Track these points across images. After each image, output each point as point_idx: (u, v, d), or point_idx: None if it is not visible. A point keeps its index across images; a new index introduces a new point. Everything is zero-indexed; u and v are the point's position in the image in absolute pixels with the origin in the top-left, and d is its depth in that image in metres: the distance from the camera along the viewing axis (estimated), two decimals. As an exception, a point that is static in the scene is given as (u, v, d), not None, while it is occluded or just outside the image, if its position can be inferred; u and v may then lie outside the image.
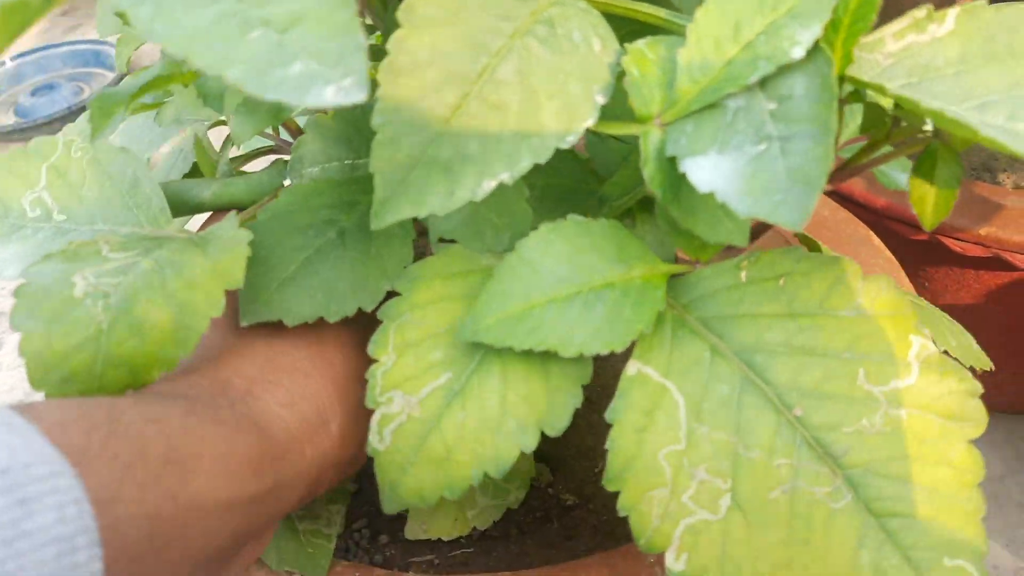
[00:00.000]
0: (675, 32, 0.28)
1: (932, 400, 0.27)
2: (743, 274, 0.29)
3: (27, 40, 1.43)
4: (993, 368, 0.40)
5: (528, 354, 0.27)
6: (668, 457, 0.27)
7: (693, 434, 0.28)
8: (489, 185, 0.25)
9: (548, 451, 0.43)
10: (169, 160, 0.42)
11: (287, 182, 0.32)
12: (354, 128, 0.30)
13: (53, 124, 1.25)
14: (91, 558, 0.19)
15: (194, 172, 0.43)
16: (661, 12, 0.29)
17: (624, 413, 0.28)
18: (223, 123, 0.42)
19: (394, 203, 0.25)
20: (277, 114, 0.29)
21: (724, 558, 0.27)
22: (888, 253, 0.49)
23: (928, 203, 0.26)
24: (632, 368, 0.28)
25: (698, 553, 0.27)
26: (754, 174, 0.23)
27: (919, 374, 0.27)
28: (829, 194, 0.56)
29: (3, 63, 1.38)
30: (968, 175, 0.58)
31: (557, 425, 0.28)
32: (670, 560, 0.27)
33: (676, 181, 0.25)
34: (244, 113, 0.28)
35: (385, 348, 0.29)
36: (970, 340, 0.41)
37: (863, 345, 0.28)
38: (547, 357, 0.28)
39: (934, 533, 0.27)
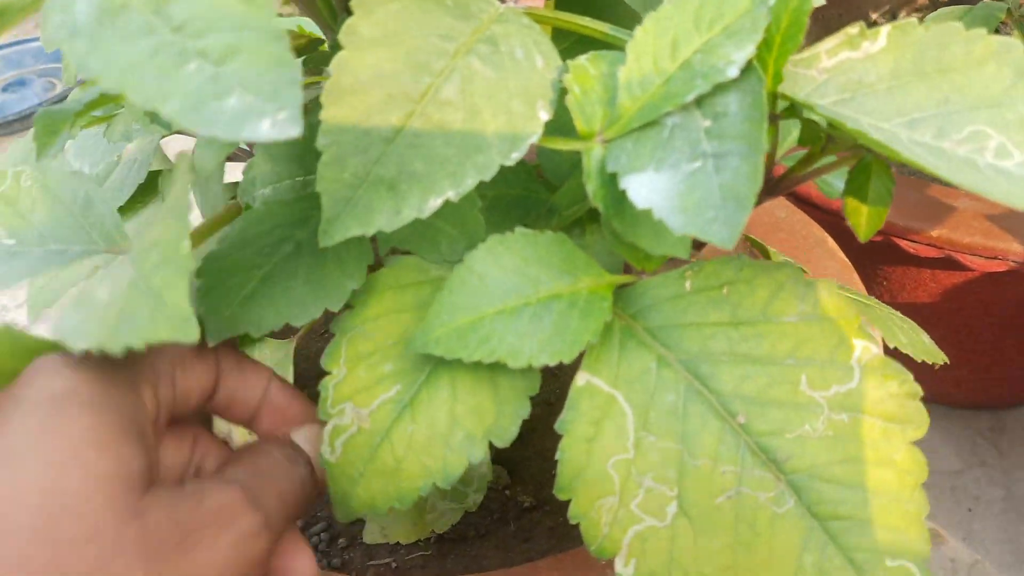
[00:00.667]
0: (617, 46, 0.29)
1: (874, 403, 0.28)
2: (688, 283, 0.29)
3: (-6, 39, 1.41)
4: (948, 362, 0.41)
5: (477, 366, 0.28)
6: (616, 466, 0.28)
7: (641, 443, 0.28)
8: (436, 203, 0.26)
9: (506, 453, 0.44)
10: (123, 171, 0.42)
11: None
12: (303, 147, 0.31)
13: (25, 120, 1.24)
14: None
15: (150, 182, 0.43)
16: (604, 27, 0.29)
17: (573, 424, 0.28)
18: (180, 132, 0.42)
19: (342, 222, 0.26)
20: (233, 141, 0.30)
21: (671, 563, 0.27)
22: (842, 255, 0.50)
23: (862, 217, 0.27)
24: (581, 379, 0.29)
25: (646, 559, 0.28)
26: (689, 191, 0.24)
27: (861, 378, 0.28)
28: (786, 195, 0.57)
29: (-27, 59, 1.36)
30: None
31: (505, 436, 0.28)
32: (619, 566, 0.28)
33: (618, 196, 0.26)
34: (206, 145, 0.29)
35: (337, 361, 0.29)
36: (922, 336, 0.42)
37: (806, 350, 0.28)
38: (496, 369, 0.28)
39: (876, 534, 0.28)
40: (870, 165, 0.27)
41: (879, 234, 0.56)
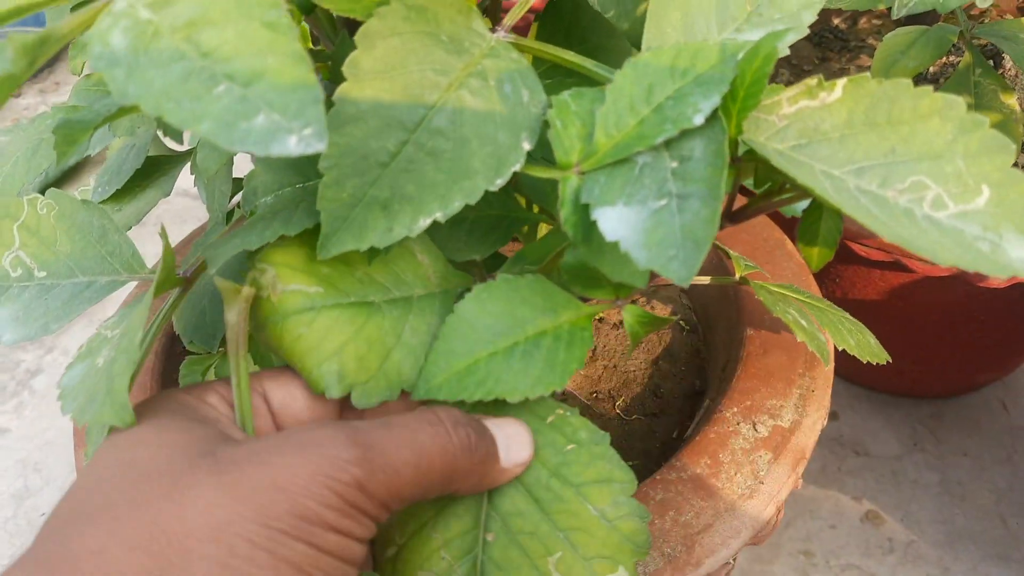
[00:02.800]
0: (598, 81, 0.31)
1: None
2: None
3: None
4: (891, 360, 0.44)
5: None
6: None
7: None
8: (425, 222, 0.28)
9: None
10: (120, 156, 0.43)
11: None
12: (304, 158, 0.33)
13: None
14: None
15: (147, 166, 0.44)
16: (588, 63, 0.32)
17: None
18: None
19: (338, 237, 0.28)
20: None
21: None
22: (799, 257, 0.53)
23: (813, 255, 0.30)
24: None
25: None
26: (653, 228, 0.26)
27: None
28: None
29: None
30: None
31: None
32: None
33: (588, 225, 0.28)
34: (208, 148, 0.31)
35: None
36: (868, 337, 0.46)
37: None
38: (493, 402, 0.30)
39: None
40: (820, 208, 0.30)
41: (835, 237, 0.60)
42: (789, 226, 0.56)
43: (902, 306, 0.64)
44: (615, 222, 0.27)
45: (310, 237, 0.29)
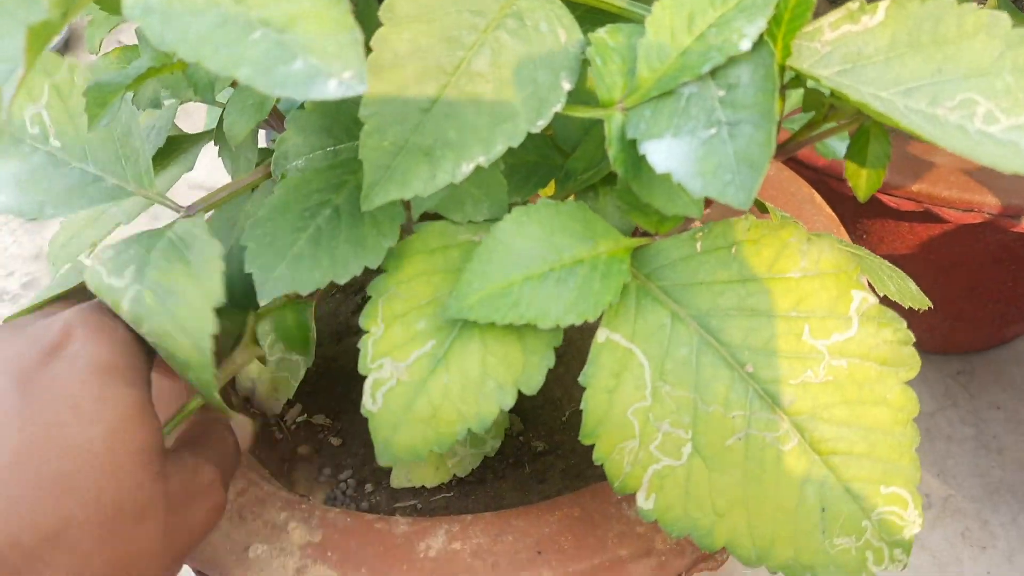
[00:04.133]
0: (632, 19, 0.31)
1: (870, 349, 0.31)
2: (698, 245, 0.32)
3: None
4: (932, 306, 0.44)
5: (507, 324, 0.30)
6: (636, 413, 0.30)
7: (657, 392, 0.31)
8: (468, 168, 0.27)
9: (519, 403, 0.46)
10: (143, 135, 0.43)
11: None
12: (332, 118, 0.32)
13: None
14: None
15: (168, 146, 0.44)
16: (620, 1, 0.31)
17: (595, 376, 0.31)
18: (191, 100, 0.43)
19: (381, 187, 0.27)
20: (262, 109, 0.31)
21: (687, 497, 0.30)
22: (829, 210, 0.53)
23: (861, 179, 0.29)
24: (601, 335, 0.31)
25: (664, 494, 0.30)
26: (705, 157, 0.26)
27: (859, 326, 0.31)
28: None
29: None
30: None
31: (532, 384, 0.31)
32: (640, 500, 0.30)
33: (637, 161, 0.28)
34: (236, 113, 0.30)
35: (375, 320, 0.31)
36: (909, 283, 0.45)
37: (808, 303, 0.31)
38: (524, 326, 0.30)
39: (872, 465, 0.31)
40: (869, 131, 0.29)
41: (862, 190, 0.59)
42: (815, 184, 0.56)
43: (932, 259, 0.63)
44: (664, 155, 0.26)
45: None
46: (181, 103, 0.43)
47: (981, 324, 0.74)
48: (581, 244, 0.31)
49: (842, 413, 0.31)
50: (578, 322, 0.29)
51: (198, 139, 0.45)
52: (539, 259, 0.30)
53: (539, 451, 0.44)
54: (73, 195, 0.32)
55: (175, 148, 0.44)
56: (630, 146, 0.28)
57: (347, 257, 0.30)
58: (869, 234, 0.64)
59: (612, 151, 0.28)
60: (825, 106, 0.29)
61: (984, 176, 0.56)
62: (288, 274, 0.29)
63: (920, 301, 0.43)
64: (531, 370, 0.31)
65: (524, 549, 0.37)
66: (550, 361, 0.31)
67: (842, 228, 0.51)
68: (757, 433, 0.30)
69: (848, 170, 0.30)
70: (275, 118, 0.41)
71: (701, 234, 0.31)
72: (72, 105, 0.32)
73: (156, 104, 0.36)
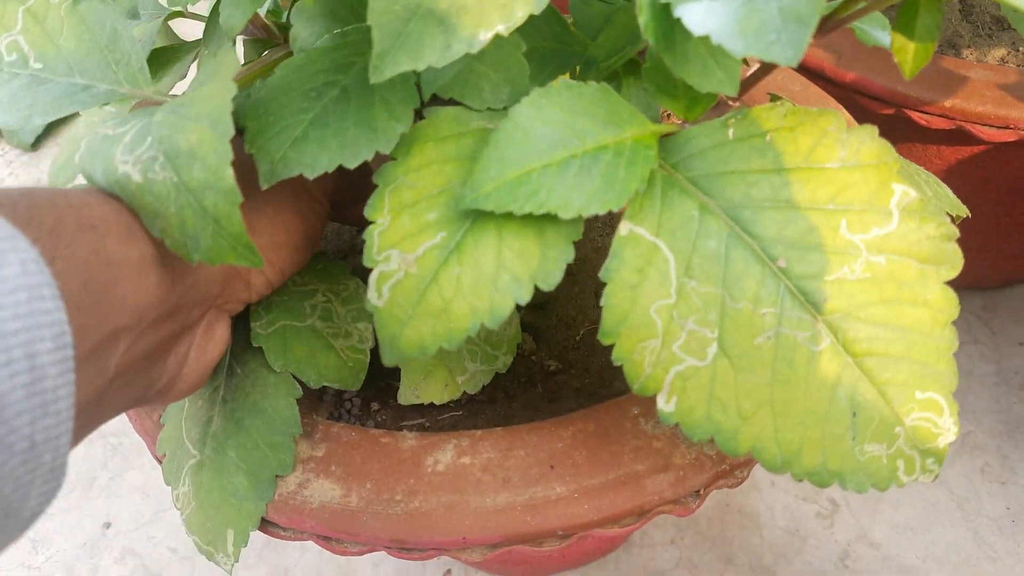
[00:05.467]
0: None
1: (911, 245, 0.29)
2: (731, 132, 0.29)
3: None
4: (970, 215, 0.41)
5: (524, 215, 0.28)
6: (659, 311, 0.29)
7: (683, 288, 0.29)
8: (485, 36, 0.25)
9: (532, 322, 0.45)
10: (132, 36, 0.41)
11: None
12: (337, 2, 0.30)
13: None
14: (56, 307, 0.22)
15: (159, 56, 0.42)
16: None
17: (617, 272, 0.29)
18: (179, 15, 0.41)
19: (392, 56, 0.25)
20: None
21: (711, 399, 0.28)
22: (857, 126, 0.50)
23: (908, 53, 0.27)
24: (624, 228, 0.29)
25: (687, 395, 0.28)
26: (748, 16, 0.23)
27: (899, 221, 0.29)
28: (798, 70, 0.57)
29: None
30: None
31: (550, 280, 0.29)
32: (661, 402, 0.28)
33: (670, 30, 0.25)
34: (232, 4, 0.28)
35: (381, 211, 0.29)
36: (945, 189, 0.43)
37: (847, 196, 0.29)
38: (542, 217, 0.28)
39: (907, 369, 0.29)
40: (917, 3, 0.27)
41: (891, 107, 0.56)
42: (843, 102, 0.53)
43: (958, 186, 0.61)
44: (702, 16, 0.24)
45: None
46: (167, 19, 0.41)
47: (1004, 259, 0.72)
48: (605, 129, 0.28)
49: (879, 313, 0.29)
50: (602, 211, 0.27)
51: (192, 47, 0.43)
52: (560, 145, 0.28)
53: (552, 370, 0.43)
54: (62, 102, 0.31)
55: (168, 58, 0.42)
56: (663, 12, 0.25)
57: (357, 140, 0.28)
58: (895, 159, 0.62)
59: (643, 18, 0.26)
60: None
61: (1022, 91, 0.53)
62: (294, 156, 0.27)
63: (958, 208, 0.40)
64: (549, 264, 0.29)
65: (536, 464, 0.36)
66: (569, 255, 0.29)
67: (871, 145, 0.49)
68: (788, 332, 0.28)
69: (895, 44, 0.27)
70: (255, 24, 0.39)
71: (734, 120, 0.29)
72: (51, 27, 0.31)
73: (134, 16, 0.34)
